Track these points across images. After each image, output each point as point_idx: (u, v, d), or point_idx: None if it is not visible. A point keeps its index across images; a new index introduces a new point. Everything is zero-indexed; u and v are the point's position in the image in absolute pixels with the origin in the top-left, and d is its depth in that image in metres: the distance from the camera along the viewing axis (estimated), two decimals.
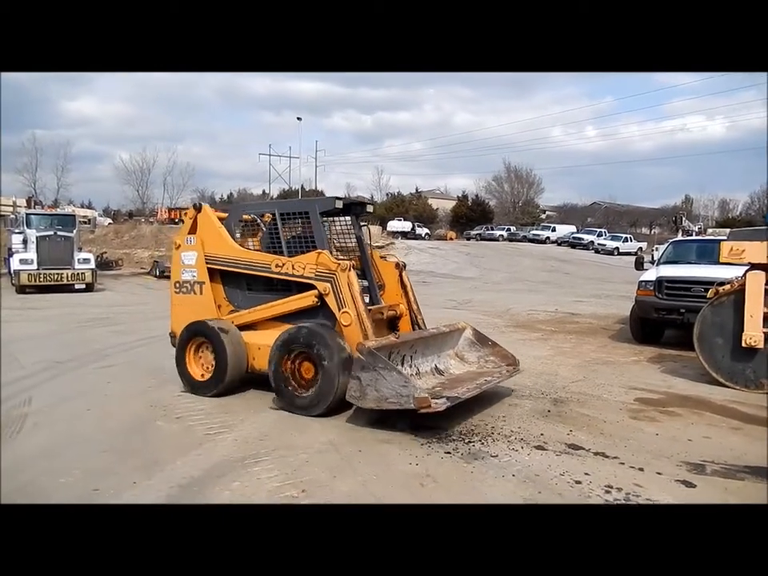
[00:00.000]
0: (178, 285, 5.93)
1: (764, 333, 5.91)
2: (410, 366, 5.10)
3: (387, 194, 61.33)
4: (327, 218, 5.84)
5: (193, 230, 5.84)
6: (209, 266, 5.70)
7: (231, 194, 63.03)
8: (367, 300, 5.37)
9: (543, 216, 57.99)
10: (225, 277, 5.80)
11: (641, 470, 3.70)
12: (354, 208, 5.89)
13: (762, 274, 6.06)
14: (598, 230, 41.78)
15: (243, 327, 5.47)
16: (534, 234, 42.63)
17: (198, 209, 5.88)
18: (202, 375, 5.42)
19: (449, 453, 3.98)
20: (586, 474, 3.63)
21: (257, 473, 3.58)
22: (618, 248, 35.86)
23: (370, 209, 6.12)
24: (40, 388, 5.68)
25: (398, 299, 5.90)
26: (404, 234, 42.41)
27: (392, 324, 5.76)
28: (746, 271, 6.23)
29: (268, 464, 3.73)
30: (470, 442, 4.17)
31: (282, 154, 55.07)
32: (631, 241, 37.98)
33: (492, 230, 44.84)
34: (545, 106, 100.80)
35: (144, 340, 8.46)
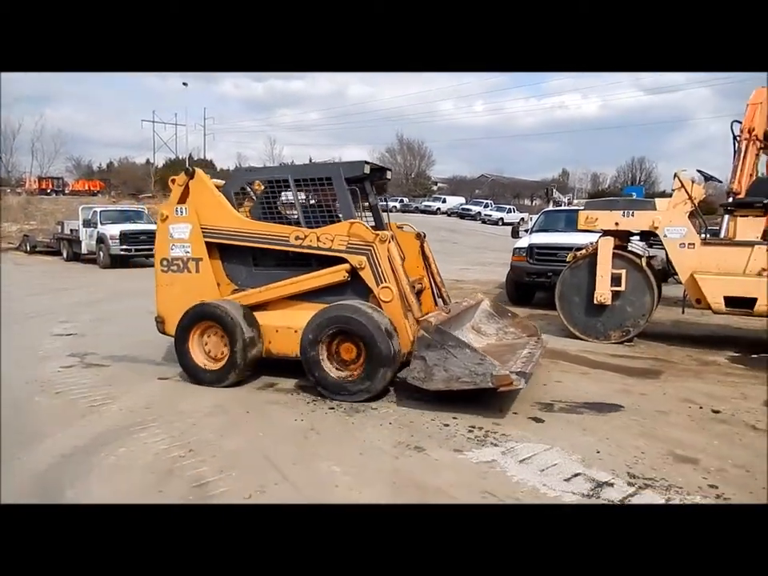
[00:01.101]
0: (165, 262, 5.17)
1: (612, 291, 6.75)
2: None
3: (280, 165, 60.01)
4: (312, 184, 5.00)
5: (183, 200, 5.15)
6: (206, 239, 5.04)
7: (111, 162, 58.73)
8: None
9: (435, 188, 59.71)
10: (224, 252, 5.16)
11: (500, 411, 4.21)
12: (370, 174, 5.26)
13: (611, 239, 6.87)
14: (485, 201, 43.90)
15: (252, 308, 4.92)
16: (425, 206, 43.90)
17: (190, 174, 5.09)
18: (212, 364, 4.84)
19: (332, 408, 4.27)
20: (454, 418, 4.06)
21: (143, 438, 3.66)
22: (502, 218, 37.93)
23: (389, 175, 5.59)
24: None
25: (418, 272, 5.44)
26: None
27: None
28: (599, 237, 7.03)
29: (155, 429, 3.81)
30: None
31: (167, 121, 52.15)
32: (514, 212, 40.28)
33: (386, 201, 45.51)
34: (438, 79, 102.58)
35: (15, 317, 7.96)
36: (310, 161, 59.74)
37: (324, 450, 3.54)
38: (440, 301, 5.43)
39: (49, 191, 37.62)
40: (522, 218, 35.76)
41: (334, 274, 4.68)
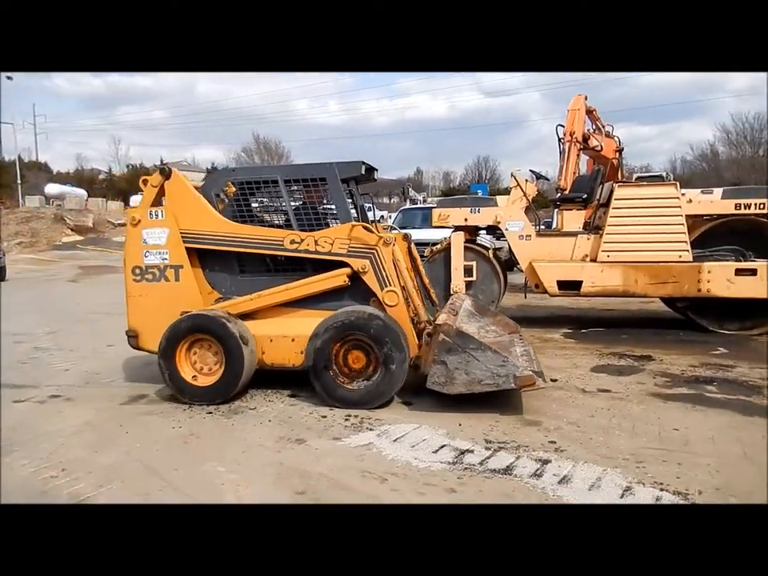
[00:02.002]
0: (138, 271, 4.75)
1: (465, 281, 7.43)
2: None
3: (128, 166, 56.27)
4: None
5: (156, 202, 4.79)
6: (187, 245, 4.70)
7: None
8: None
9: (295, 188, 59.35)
10: (204, 258, 4.85)
11: None
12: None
13: (462, 234, 7.56)
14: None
15: (242, 317, 4.67)
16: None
17: (166, 174, 4.71)
18: (202, 379, 4.51)
19: (210, 413, 4.31)
20: (331, 409, 4.31)
21: (7, 463, 3.44)
22: (382, 216, 38.91)
23: (375, 175, 5.34)
24: None
25: (409, 274, 5.29)
26: None
27: None
28: (452, 232, 7.69)
29: (18, 454, 3.59)
30: (229, 400, 4.54)
31: None
32: (374, 209, 41.56)
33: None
34: (289, 78, 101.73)
35: None
36: (161, 161, 56.73)
37: (206, 452, 3.60)
38: (427, 302, 5.40)
39: None
40: (382, 216, 37.01)
41: (334, 279, 4.55)
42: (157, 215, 4.75)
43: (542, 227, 7.75)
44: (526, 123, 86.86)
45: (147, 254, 4.77)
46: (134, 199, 41.95)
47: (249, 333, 4.55)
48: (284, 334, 4.58)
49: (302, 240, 4.57)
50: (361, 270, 4.48)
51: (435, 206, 9.15)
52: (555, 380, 5.04)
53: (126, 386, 5.07)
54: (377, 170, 5.26)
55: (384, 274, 4.47)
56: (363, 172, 4.80)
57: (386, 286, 4.45)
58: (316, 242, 4.55)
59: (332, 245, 4.52)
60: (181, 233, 4.71)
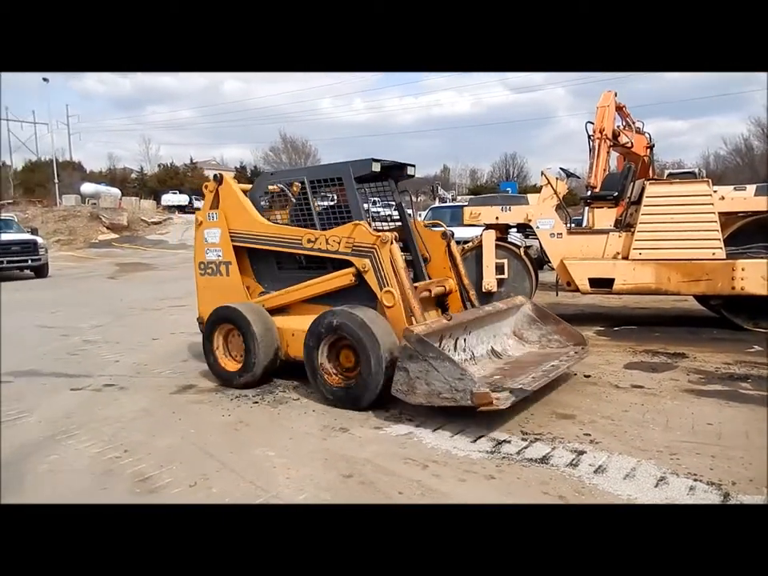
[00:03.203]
0: (202, 266, 5.41)
1: (497, 279, 7.53)
2: (464, 351, 4.55)
3: (159, 165, 57.51)
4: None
5: (215, 205, 5.28)
6: (234, 243, 5.17)
7: None
8: (412, 276, 4.86)
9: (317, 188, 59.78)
10: (252, 255, 5.28)
11: None
12: (391, 172, 5.26)
13: (494, 232, 7.66)
14: (372, 198, 44.84)
15: (276, 311, 4.99)
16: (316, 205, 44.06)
17: (218, 180, 5.24)
18: (233, 365, 4.96)
19: (257, 402, 4.53)
20: None
21: (72, 445, 3.71)
22: (390, 215, 39.07)
23: (411, 171, 5.39)
24: None
25: (445, 273, 5.22)
26: (181, 208, 40.63)
27: (440, 302, 5.17)
28: (483, 230, 7.79)
29: (82, 436, 3.86)
30: (273, 392, 4.76)
31: (23, 119, 47.82)
32: (413, 207, 41.77)
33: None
34: (314, 76, 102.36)
35: None
36: (191, 160, 57.85)
37: (256, 438, 3.81)
38: (468, 304, 5.18)
39: None
40: (409, 214, 37.11)
41: (342, 278, 4.65)
42: (213, 217, 5.30)
43: (573, 225, 7.81)
44: (553, 119, 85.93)
45: (208, 251, 5.35)
46: (165, 198, 43.17)
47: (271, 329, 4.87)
48: (303, 329, 4.69)
49: (316, 239, 4.73)
50: (362, 269, 4.46)
51: (464, 204, 9.26)
52: (588, 376, 5.13)
53: (174, 376, 5.33)
54: (412, 166, 5.32)
55: (382, 273, 4.39)
56: (377, 170, 4.79)
57: (385, 286, 4.36)
58: (327, 240, 4.67)
59: (339, 243, 4.60)
60: (230, 232, 5.18)
